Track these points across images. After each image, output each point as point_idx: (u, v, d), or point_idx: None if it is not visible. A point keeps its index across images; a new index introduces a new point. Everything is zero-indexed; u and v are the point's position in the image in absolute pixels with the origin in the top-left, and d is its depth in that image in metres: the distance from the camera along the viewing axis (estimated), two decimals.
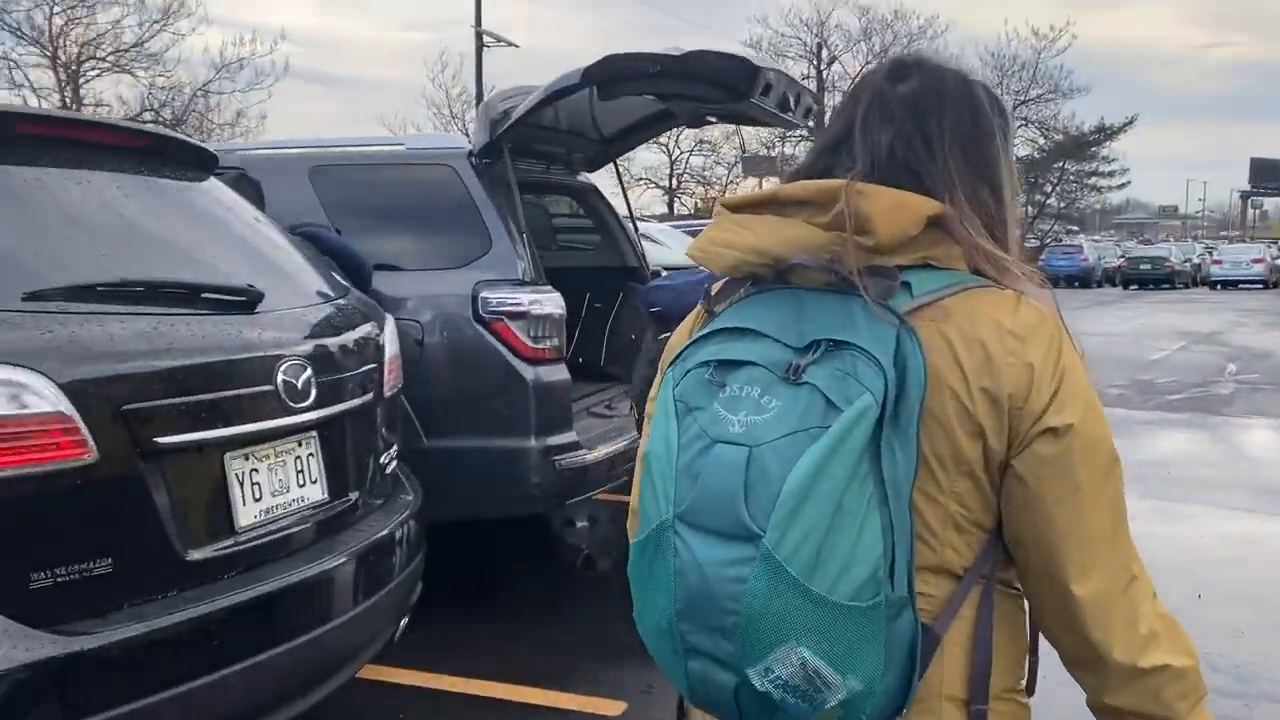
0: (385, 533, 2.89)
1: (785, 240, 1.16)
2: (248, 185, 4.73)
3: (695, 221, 21.31)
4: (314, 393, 2.62)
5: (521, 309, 4.31)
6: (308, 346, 2.66)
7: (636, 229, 5.96)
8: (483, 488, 4.38)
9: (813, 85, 44.32)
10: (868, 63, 42.98)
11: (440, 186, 4.59)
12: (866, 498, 1.03)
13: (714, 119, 5.32)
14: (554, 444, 4.35)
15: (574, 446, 4.38)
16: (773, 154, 44.78)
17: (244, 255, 2.82)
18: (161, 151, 2.90)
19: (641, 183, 45.28)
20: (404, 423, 4.32)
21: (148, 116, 27.13)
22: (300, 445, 2.66)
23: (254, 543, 2.46)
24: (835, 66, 43.89)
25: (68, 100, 26.65)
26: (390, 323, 3.24)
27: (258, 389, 2.46)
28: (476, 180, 4.52)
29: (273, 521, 2.54)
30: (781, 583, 1.01)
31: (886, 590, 1.04)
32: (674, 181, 46.11)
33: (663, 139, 42.72)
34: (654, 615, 1.12)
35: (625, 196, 6.07)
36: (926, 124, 1.20)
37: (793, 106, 4.81)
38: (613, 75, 4.25)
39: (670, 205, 45.69)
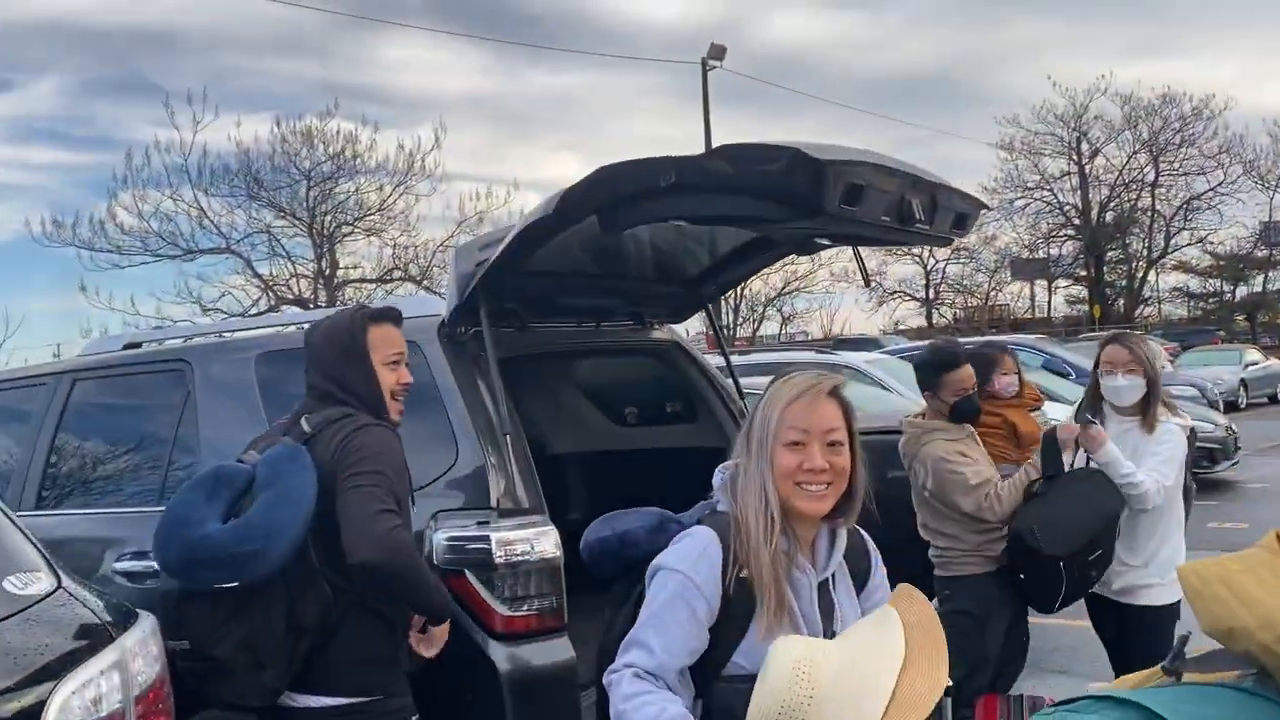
0: None
1: None
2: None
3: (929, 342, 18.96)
4: None
5: (487, 555, 2.84)
6: None
7: (739, 387, 4.37)
8: None
9: (1074, 182, 40.97)
10: (1135, 152, 39.39)
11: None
12: None
13: (827, 241, 3.73)
14: None
15: None
16: (1038, 255, 41.50)
17: None
18: None
19: (895, 296, 43.16)
20: None
21: (396, 275, 28.20)
22: None
23: None
24: (1099, 159, 40.46)
25: (324, 266, 28.12)
26: None
27: None
28: (444, 360, 3.16)
29: None
30: None
31: None
32: (930, 292, 43.63)
33: (915, 249, 40.67)
34: None
35: (721, 345, 4.52)
36: None
37: (920, 216, 3.16)
38: (608, 197, 2.80)
39: (929, 316, 43.17)
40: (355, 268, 29.14)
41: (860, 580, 2.09)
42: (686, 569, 1.91)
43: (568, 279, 3.61)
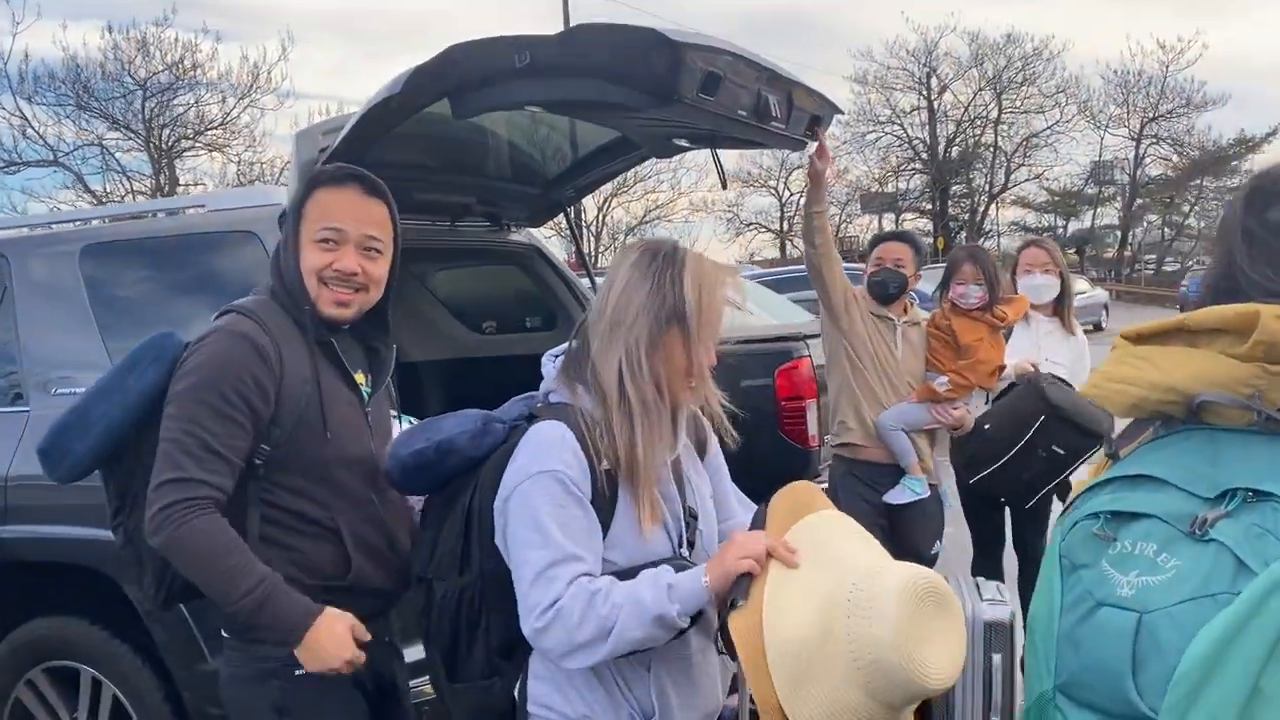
0: None
1: (1195, 374, 1.02)
2: None
3: (783, 270, 19.42)
4: None
5: None
6: None
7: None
8: None
9: (923, 116, 42.04)
10: (980, 89, 40.62)
11: (244, 263, 3.11)
12: None
13: (685, 143, 3.70)
14: None
15: None
16: (887, 189, 42.60)
17: None
18: None
19: (752, 228, 43.73)
20: None
21: None
22: None
23: None
24: (947, 95, 41.63)
25: (163, 182, 26.68)
26: None
27: None
28: None
29: None
30: None
31: None
32: (785, 224, 44.38)
33: (771, 181, 41.20)
34: None
35: (582, 258, 4.49)
36: None
37: (776, 114, 3.16)
38: (460, 77, 2.70)
39: (782, 248, 43.95)
40: (197, 185, 27.76)
41: (701, 449, 2.06)
42: (554, 465, 1.74)
43: (420, 171, 3.49)
